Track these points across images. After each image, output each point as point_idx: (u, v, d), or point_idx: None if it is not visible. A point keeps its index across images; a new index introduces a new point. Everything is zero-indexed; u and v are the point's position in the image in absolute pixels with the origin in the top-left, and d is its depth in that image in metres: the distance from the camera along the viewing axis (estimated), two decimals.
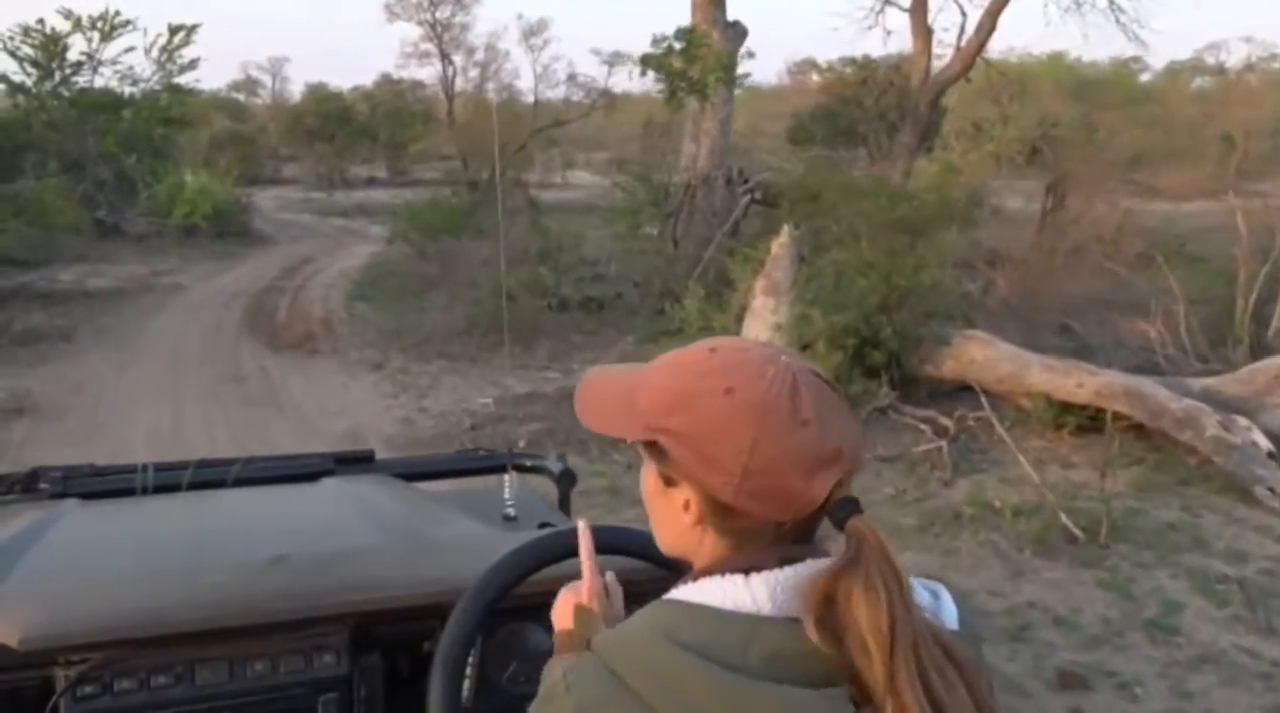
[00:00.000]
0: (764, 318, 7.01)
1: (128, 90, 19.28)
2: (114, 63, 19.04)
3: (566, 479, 2.16)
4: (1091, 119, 14.66)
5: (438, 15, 25.54)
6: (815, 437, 0.83)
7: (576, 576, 1.09)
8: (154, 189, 17.27)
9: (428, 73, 28.88)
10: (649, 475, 0.91)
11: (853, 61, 15.24)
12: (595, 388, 0.97)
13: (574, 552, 1.13)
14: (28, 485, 1.94)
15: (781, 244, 6.95)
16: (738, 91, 10.87)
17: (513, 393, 7.63)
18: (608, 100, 26.94)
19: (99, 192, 17.45)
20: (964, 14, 14.37)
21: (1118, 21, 14.75)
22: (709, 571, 0.86)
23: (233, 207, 18.12)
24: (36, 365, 8.35)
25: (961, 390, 6.66)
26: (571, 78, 25.77)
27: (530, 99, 26.63)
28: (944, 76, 14.17)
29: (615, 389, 0.93)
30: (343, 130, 33.43)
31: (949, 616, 0.97)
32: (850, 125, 16.58)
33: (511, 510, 1.95)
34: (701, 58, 9.37)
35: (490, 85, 24.91)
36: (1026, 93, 15.03)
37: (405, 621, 1.33)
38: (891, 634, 0.77)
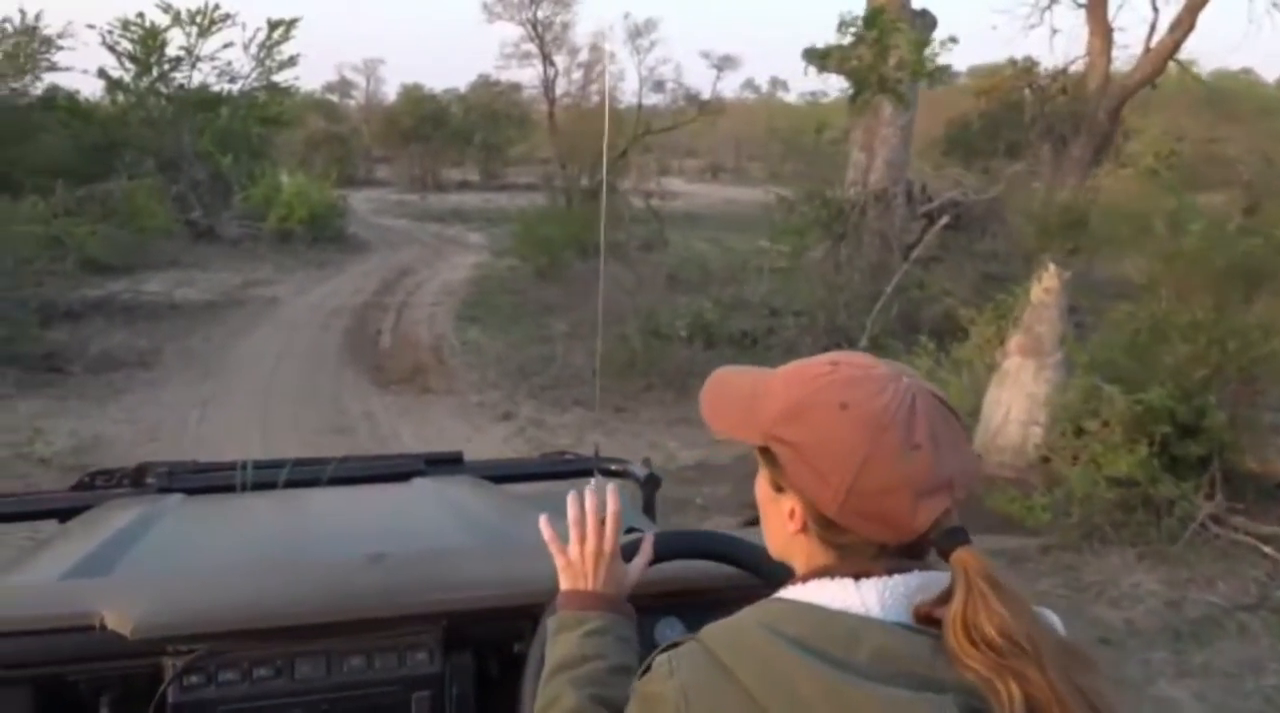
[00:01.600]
0: (1019, 384, 5.26)
1: (225, 87, 18.27)
2: (212, 58, 17.96)
3: (651, 484, 2.07)
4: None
5: (539, 14, 24.10)
6: (927, 463, 0.81)
7: (665, 580, 1.19)
8: (250, 191, 16.12)
9: (528, 74, 27.49)
10: (761, 481, 0.92)
11: (1013, 63, 13.25)
12: (720, 388, 0.96)
13: (665, 557, 1.18)
14: (135, 481, 1.96)
15: (1047, 289, 5.20)
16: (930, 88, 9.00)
17: (678, 463, 5.99)
18: (717, 105, 25.33)
19: (193, 192, 16.36)
20: (1156, 9, 12.36)
21: None
22: (817, 574, 0.85)
23: (329, 210, 16.89)
24: (109, 401, 7.00)
25: None
26: (659, 83, 24.03)
27: (629, 102, 25.20)
28: (1130, 81, 12.17)
29: (738, 392, 0.92)
30: (437, 132, 32.45)
31: (1051, 616, 0.88)
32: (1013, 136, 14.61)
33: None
34: (893, 49, 7.62)
35: (593, 88, 23.32)
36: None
37: (496, 621, 1.32)
38: (1034, 643, 0.76)
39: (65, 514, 1.86)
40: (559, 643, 1.05)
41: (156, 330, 9.27)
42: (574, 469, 2.22)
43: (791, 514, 0.87)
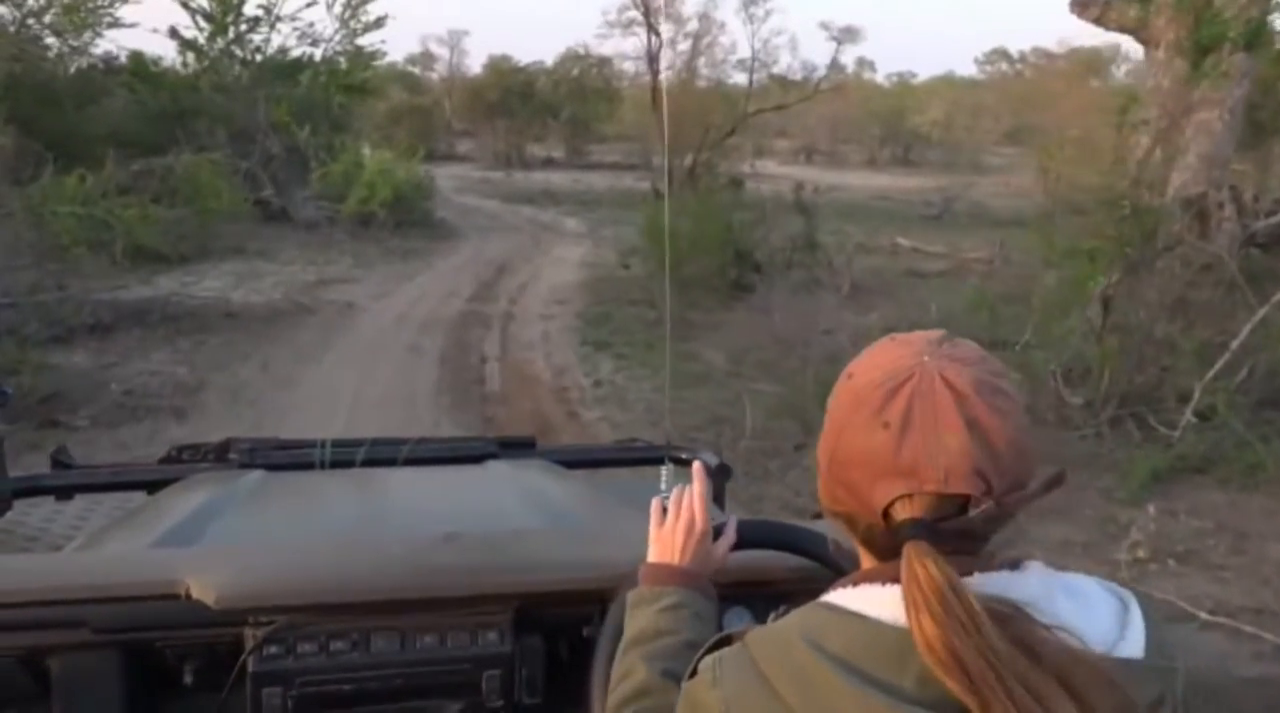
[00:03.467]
0: None
1: (306, 50, 16.15)
2: (293, 18, 15.84)
3: (722, 474, 2.00)
4: None
5: None
6: (887, 443, 0.76)
7: (737, 569, 1.14)
8: (328, 167, 13.98)
9: (631, 44, 24.83)
10: None
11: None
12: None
13: (749, 543, 1.16)
14: (219, 456, 1.95)
15: None
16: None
17: None
18: (836, 80, 22.61)
19: (265, 168, 14.32)
20: None
21: None
22: (868, 577, 0.79)
23: (415, 191, 14.69)
24: None
25: None
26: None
27: (734, 79, 22.56)
28: None
29: None
30: (524, 106, 30.22)
31: (1134, 635, 0.76)
32: None
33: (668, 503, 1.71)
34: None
35: (701, 60, 20.74)
36: None
37: (566, 605, 1.29)
38: (955, 656, 0.69)
39: (153, 486, 1.86)
40: (636, 617, 1.03)
41: (203, 352, 7.08)
42: (645, 456, 2.19)
43: None
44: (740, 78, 22.04)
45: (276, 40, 15.98)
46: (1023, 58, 55.44)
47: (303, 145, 13.87)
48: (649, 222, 9.92)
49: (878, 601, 0.75)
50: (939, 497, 0.74)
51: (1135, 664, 0.73)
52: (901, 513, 0.75)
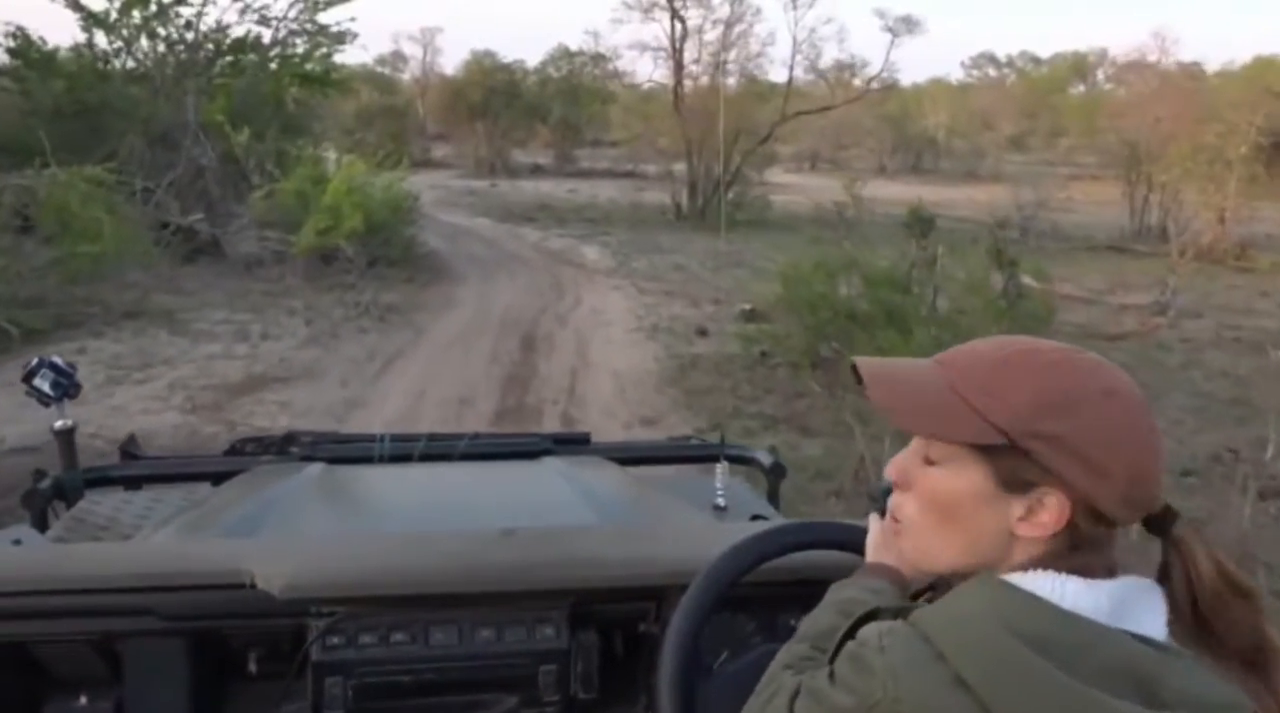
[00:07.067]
0: None
1: (252, 29, 12.15)
2: None
3: (777, 472, 1.97)
4: None
5: None
6: (1162, 445, 0.78)
7: (796, 569, 1.09)
8: (276, 184, 10.00)
9: (652, 31, 20.61)
10: (968, 479, 0.77)
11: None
12: (897, 384, 0.82)
13: (800, 546, 1.11)
14: (281, 449, 1.93)
15: None
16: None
17: None
18: (887, 81, 18.91)
19: (194, 186, 10.32)
20: None
21: None
22: (1041, 564, 0.75)
23: (394, 215, 10.78)
24: None
25: None
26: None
27: (770, 72, 18.87)
28: None
29: (929, 384, 0.79)
30: (510, 107, 26.30)
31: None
32: None
33: (722, 501, 1.80)
34: None
35: (732, 54, 16.92)
36: None
37: (621, 601, 1.27)
38: (1262, 641, 0.73)
39: (218, 478, 1.84)
40: (838, 589, 0.96)
41: None
42: (700, 454, 2.14)
43: (1028, 513, 0.75)
44: (772, 73, 18.40)
45: (213, 15, 12.01)
46: (1010, 61, 52.85)
47: (241, 154, 9.84)
48: (789, 276, 6.06)
49: (1060, 590, 0.73)
50: None
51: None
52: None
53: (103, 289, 7.36)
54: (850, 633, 0.79)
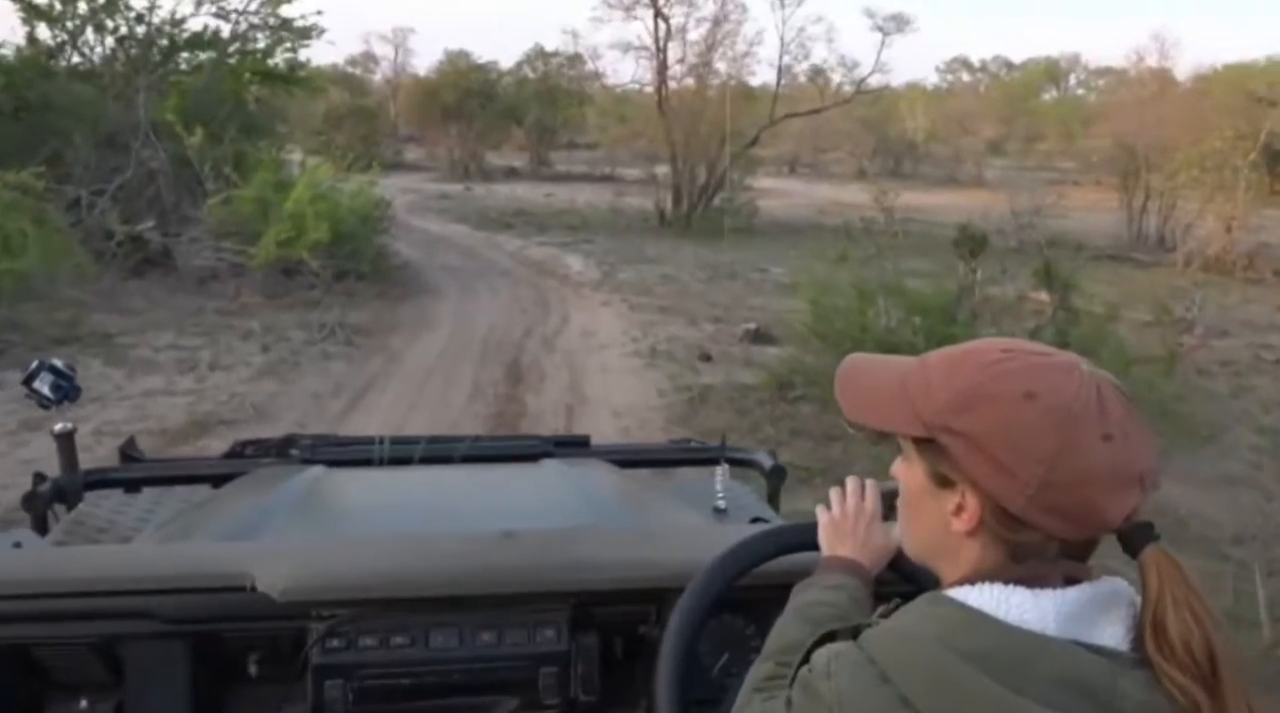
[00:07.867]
0: None
1: (210, 23, 11.21)
2: None
3: (777, 475, 1.97)
4: None
5: None
6: (1120, 454, 0.72)
7: (794, 571, 1.05)
8: (233, 191, 9.08)
9: (634, 29, 19.69)
10: (914, 473, 0.80)
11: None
12: (863, 377, 0.85)
13: (797, 547, 1.09)
14: (281, 451, 1.90)
15: None
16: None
17: None
18: (880, 81, 18.24)
19: (142, 193, 9.39)
20: None
21: None
22: (985, 577, 0.74)
23: (363, 224, 9.89)
24: None
25: None
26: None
27: (755, 74, 18.11)
28: None
29: (887, 379, 0.82)
30: (485, 110, 25.38)
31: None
32: None
33: (722, 503, 1.79)
34: None
35: (718, 53, 16.16)
36: None
37: (622, 603, 1.25)
38: (1214, 665, 0.69)
39: (218, 480, 1.83)
40: (800, 592, 0.99)
41: None
42: (700, 456, 2.11)
43: (958, 510, 0.76)
44: (757, 74, 17.67)
45: (167, 7, 11.07)
46: (984, 66, 52.66)
47: (194, 157, 8.92)
48: (819, 301, 5.28)
49: (1004, 603, 0.71)
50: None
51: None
52: (1132, 518, 0.74)
53: (30, 311, 6.45)
54: (811, 653, 0.78)
